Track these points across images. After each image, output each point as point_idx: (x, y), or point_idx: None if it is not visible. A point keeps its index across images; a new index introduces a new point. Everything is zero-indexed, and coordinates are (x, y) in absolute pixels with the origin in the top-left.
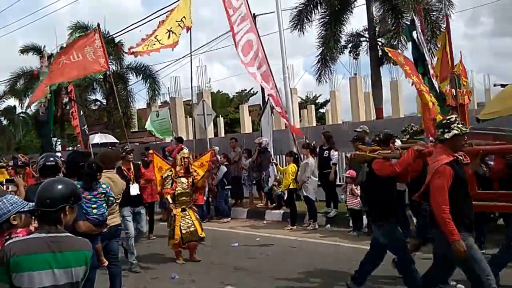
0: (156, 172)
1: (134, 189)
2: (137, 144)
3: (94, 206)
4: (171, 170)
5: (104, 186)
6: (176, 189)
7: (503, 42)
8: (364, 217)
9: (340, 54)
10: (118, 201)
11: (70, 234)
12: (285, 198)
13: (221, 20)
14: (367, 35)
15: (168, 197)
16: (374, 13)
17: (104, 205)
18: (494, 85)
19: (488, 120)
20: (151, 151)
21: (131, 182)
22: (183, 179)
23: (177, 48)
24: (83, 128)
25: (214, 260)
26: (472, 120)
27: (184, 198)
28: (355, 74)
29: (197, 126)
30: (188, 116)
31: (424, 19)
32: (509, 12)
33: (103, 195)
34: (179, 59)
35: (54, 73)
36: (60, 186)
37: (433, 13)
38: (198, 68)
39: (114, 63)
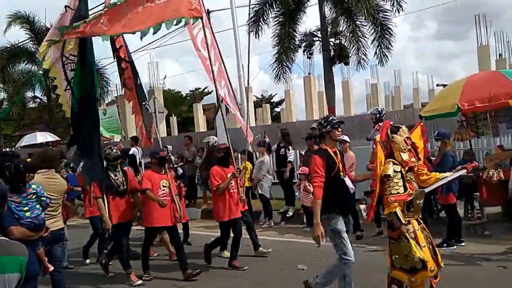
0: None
1: None
2: None
3: (25, 208)
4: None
5: (34, 186)
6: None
7: (446, 44)
8: None
9: (295, 53)
10: (60, 202)
11: (5, 238)
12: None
13: None
14: (320, 35)
15: (399, 210)
16: (326, 13)
17: (37, 206)
18: (437, 85)
19: (429, 118)
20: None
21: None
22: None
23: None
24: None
25: (169, 262)
26: (416, 117)
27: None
28: (309, 73)
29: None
30: None
31: (374, 20)
32: (451, 16)
33: (34, 195)
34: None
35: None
36: None
37: (382, 14)
38: (149, 64)
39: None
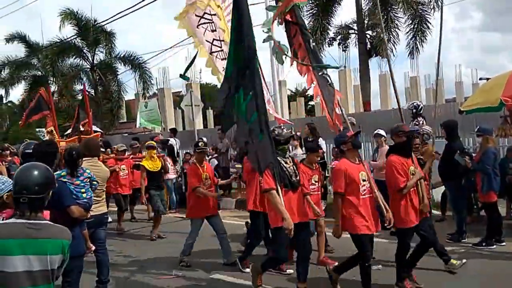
0: None
1: None
2: (126, 134)
3: (83, 190)
4: None
5: (88, 171)
6: None
7: (492, 36)
8: None
9: (330, 46)
10: (103, 188)
11: (49, 222)
12: None
13: None
14: (355, 28)
15: None
16: (363, 5)
17: (90, 189)
18: (480, 79)
19: (470, 112)
20: None
21: None
22: None
23: (166, 38)
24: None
25: (203, 248)
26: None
27: None
28: (345, 66)
29: (186, 117)
30: (177, 108)
31: (413, 12)
32: (497, 6)
33: (88, 179)
34: (167, 49)
35: None
36: (44, 172)
37: (421, 6)
38: (187, 59)
39: (103, 52)
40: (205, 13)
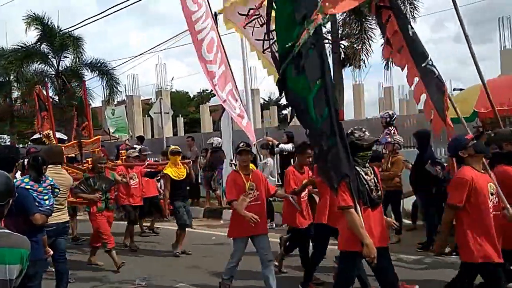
0: None
1: None
2: None
3: (46, 197)
4: None
5: (50, 178)
6: None
7: (467, 48)
8: None
9: None
10: (65, 196)
11: (8, 231)
12: None
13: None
14: (330, 37)
15: None
16: (337, 15)
17: (51, 196)
18: (454, 90)
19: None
20: None
21: None
22: None
23: (134, 45)
24: None
25: (169, 258)
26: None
27: None
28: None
29: (155, 125)
30: (146, 115)
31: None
32: (472, 18)
33: (51, 186)
34: (137, 56)
35: None
36: (4, 180)
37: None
38: (157, 66)
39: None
40: (250, 9)
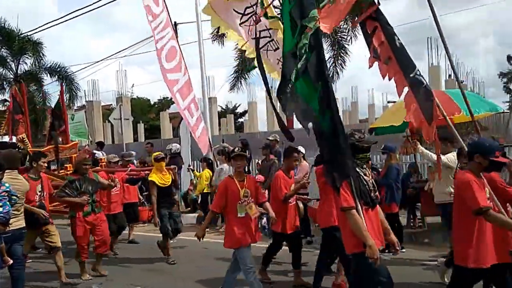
0: None
1: None
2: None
3: (0, 204)
4: None
5: (6, 184)
6: None
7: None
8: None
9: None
10: (22, 202)
11: None
12: (199, 202)
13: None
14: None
15: None
16: None
17: (8, 203)
18: (388, 102)
19: (379, 133)
20: None
21: None
22: None
23: (95, 51)
24: None
25: (127, 261)
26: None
27: None
28: (271, 86)
29: (116, 131)
30: (107, 121)
31: (333, 40)
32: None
33: (6, 193)
34: (98, 62)
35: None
36: None
37: (340, 34)
38: (118, 72)
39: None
40: (246, 7)
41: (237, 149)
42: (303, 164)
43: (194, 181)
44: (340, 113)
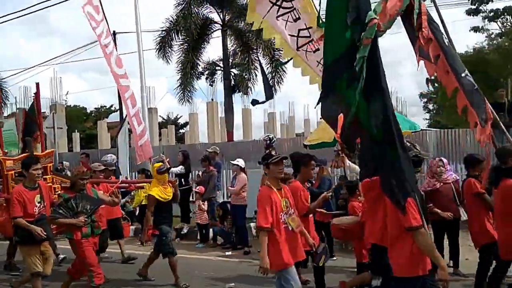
0: None
1: None
2: None
3: None
4: None
5: None
6: None
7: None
8: (211, 230)
9: (198, 80)
10: None
11: None
12: (136, 214)
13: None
14: (222, 65)
15: None
16: (228, 46)
17: None
18: (321, 118)
19: (312, 147)
20: None
21: None
22: None
23: (27, 56)
24: None
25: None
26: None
27: None
28: (212, 99)
29: (48, 140)
30: None
31: (271, 57)
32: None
33: None
34: (30, 68)
35: None
36: None
37: (278, 52)
38: (52, 79)
39: None
40: (283, 0)
41: (274, 152)
42: (242, 175)
43: (133, 193)
44: (278, 127)
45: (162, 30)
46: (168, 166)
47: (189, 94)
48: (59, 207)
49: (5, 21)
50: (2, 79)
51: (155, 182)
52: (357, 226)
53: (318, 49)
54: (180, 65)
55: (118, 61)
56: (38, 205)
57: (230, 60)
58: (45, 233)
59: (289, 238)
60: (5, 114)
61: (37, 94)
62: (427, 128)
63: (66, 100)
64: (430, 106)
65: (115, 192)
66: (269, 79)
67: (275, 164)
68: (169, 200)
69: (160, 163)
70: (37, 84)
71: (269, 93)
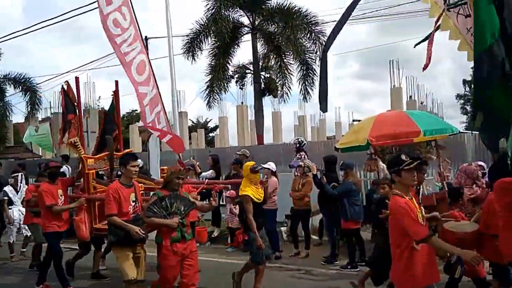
0: None
1: None
2: (12, 159)
3: None
4: None
5: None
6: None
7: (365, 84)
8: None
9: (228, 83)
10: None
11: None
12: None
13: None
14: (252, 68)
15: None
16: (258, 49)
17: None
18: (353, 121)
19: (344, 150)
20: None
21: None
22: None
23: (62, 62)
24: None
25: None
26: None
27: None
28: (242, 102)
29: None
30: None
31: (302, 60)
32: (371, 58)
33: None
34: (64, 73)
35: None
36: None
37: (309, 55)
38: (86, 84)
39: None
40: None
41: (404, 156)
42: (273, 179)
43: None
44: (309, 130)
45: (193, 33)
46: (199, 171)
47: (217, 97)
48: (154, 205)
49: (41, 28)
50: (37, 84)
51: (246, 181)
52: (475, 234)
53: (469, 15)
54: (210, 68)
55: (140, 68)
56: (133, 204)
57: (260, 63)
58: (143, 232)
59: (424, 254)
60: (40, 119)
61: (115, 92)
62: (465, 131)
63: (99, 105)
64: (468, 108)
65: (213, 194)
66: (302, 83)
67: (408, 171)
68: (261, 203)
69: (253, 162)
70: (116, 82)
71: (324, 106)
